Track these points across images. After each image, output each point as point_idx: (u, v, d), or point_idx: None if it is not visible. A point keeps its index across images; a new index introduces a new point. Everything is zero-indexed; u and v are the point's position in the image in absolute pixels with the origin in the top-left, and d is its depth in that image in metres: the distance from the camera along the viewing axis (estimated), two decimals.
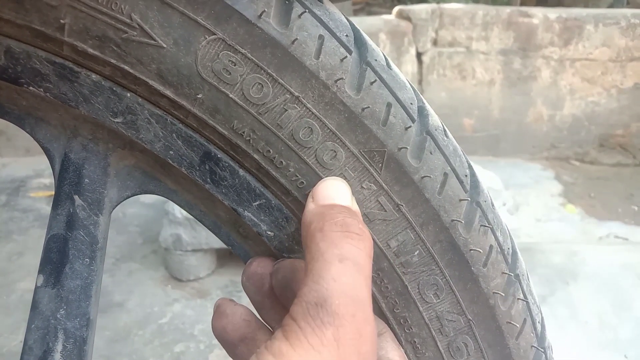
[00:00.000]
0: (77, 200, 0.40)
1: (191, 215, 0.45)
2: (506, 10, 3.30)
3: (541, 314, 0.48)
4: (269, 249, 0.43)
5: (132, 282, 2.16)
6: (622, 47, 3.27)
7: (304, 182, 0.40)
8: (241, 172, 0.41)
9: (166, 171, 0.42)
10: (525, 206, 2.87)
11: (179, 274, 2.17)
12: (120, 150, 0.41)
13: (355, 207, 0.38)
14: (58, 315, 0.38)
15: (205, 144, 0.40)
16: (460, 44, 3.33)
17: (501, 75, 3.37)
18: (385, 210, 0.40)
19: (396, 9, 3.37)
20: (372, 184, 0.40)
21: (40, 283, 0.38)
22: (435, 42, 3.33)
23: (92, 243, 0.40)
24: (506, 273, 0.43)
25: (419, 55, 3.33)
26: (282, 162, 0.39)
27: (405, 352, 0.44)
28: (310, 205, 0.38)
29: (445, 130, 0.42)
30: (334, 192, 0.38)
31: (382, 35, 3.21)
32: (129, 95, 0.38)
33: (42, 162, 3.43)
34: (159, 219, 2.35)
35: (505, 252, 0.44)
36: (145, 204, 2.82)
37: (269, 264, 0.43)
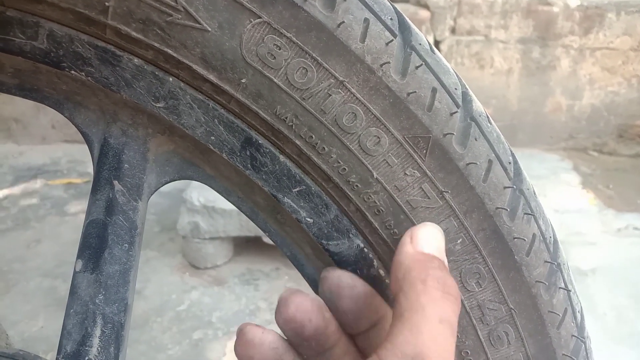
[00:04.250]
0: (117, 185, 0.40)
1: (229, 201, 0.45)
2: None
3: (580, 303, 0.47)
4: (307, 236, 0.43)
5: (150, 270, 2.18)
6: None
7: (346, 169, 0.39)
8: (282, 158, 0.40)
9: (205, 157, 0.42)
10: (542, 197, 2.84)
11: (196, 262, 2.19)
12: (160, 136, 0.41)
13: (446, 262, 0.39)
14: (97, 301, 0.38)
15: (247, 129, 0.39)
16: (478, 33, 3.29)
17: (520, 64, 3.33)
18: (429, 198, 0.40)
19: None
20: (416, 171, 0.39)
21: (79, 268, 0.38)
22: (453, 31, 3.30)
23: (131, 228, 0.40)
24: (548, 262, 0.43)
25: (436, 44, 3.30)
26: (324, 148, 0.38)
27: None
28: (409, 248, 0.38)
29: (488, 117, 0.41)
30: (435, 242, 0.38)
31: None
32: (171, 79, 0.37)
33: (58, 150, 3.46)
34: (175, 207, 2.36)
35: (548, 241, 0.43)
36: (161, 192, 2.83)
37: (308, 305, 0.41)
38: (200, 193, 2.08)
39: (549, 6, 3.21)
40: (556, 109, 3.44)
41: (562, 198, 2.89)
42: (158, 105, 0.38)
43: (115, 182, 0.40)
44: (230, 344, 1.77)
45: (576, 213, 2.74)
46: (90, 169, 3.26)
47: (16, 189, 2.98)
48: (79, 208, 2.75)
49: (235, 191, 0.44)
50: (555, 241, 0.44)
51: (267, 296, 2.03)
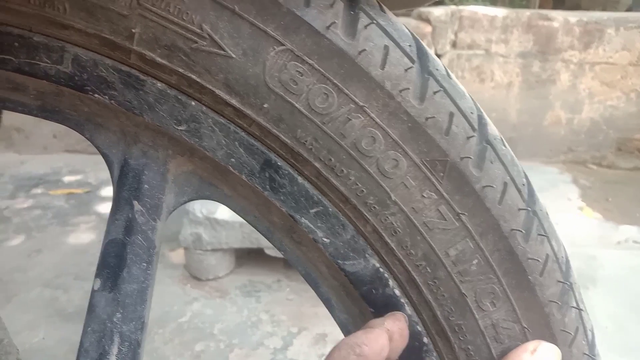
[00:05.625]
0: (136, 205, 0.40)
1: (245, 220, 0.45)
2: (526, 13, 3.29)
3: (591, 322, 0.48)
4: (323, 255, 0.44)
5: None
6: None
7: (364, 191, 0.40)
8: (300, 179, 0.41)
9: (223, 177, 0.43)
10: None
11: (198, 273, 2.18)
12: (180, 157, 0.42)
13: None
14: (114, 319, 0.38)
15: (267, 152, 0.40)
16: (479, 47, 3.32)
17: (520, 78, 3.36)
18: (445, 219, 0.40)
19: (415, 10, 3.36)
20: (433, 193, 0.40)
21: (97, 287, 0.39)
22: (454, 45, 3.32)
23: (149, 248, 0.41)
24: (561, 282, 0.43)
25: (437, 58, 3.32)
26: (342, 170, 0.39)
27: None
28: (527, 357, 0.42)
29: (502, 140, 0.43)
30: None
31: None
32: (193, 103, 0.38)
33: (60, 160, 3.47)
34: (177, 218, 2.36)
35: (560, 261, 0.44)
36: None
37: None
38: (202, 205, 2.09)
39: (549, 21, 3.24)
40: (556, 122, 3.46)
41: (561, 211, 2.89)
42: (180, 128, 0.39)
43: (135, 203, 0.40)
44: (233, 356, 1.77)
45: (575, 226, 2.75)
46: (90, 179, 3.26)
47: (17, 199, 2.98)
48: (80, 218, 2.75)
49: (252, 211, 0.45)
50: (567, 261, 0.45)
51: (268, 308, 2.02)
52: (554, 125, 3.47)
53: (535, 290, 0.42)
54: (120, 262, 0.39)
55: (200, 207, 2.08)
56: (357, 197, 0.40)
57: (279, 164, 0.40)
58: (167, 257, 2.36)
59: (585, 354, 0.46)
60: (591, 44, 3.25)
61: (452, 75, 0.41)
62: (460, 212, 0.40)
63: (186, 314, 1.99)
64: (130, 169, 0.41)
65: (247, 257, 2.29)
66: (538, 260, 0.42)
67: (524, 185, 0.42)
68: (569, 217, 2.84)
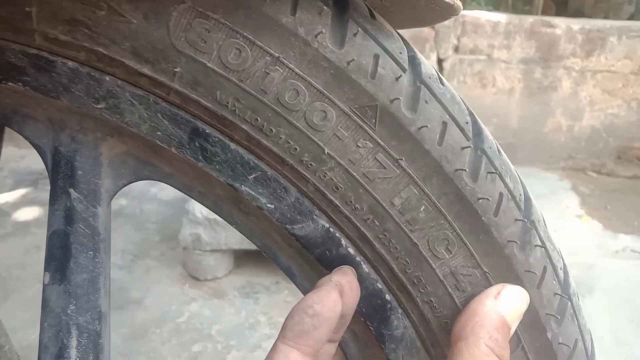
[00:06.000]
0: (73, 193, 0.39)
1: (191, 197, 0.44)
2: (529, 19, 3.29)
3: (563, 260, 0.45)
4: (273, 223, 0.42)
5: (150, 280, 2.17)
6: None
7: (297, 148, 0.38)
8: (232, 145, 0.39)
9: (158, 155, 0.41)
10: None
11: (197, 273, 2.18)
12: (110, 138, 0.40)
13: (514, 328, 0.40)
14: (68, 311, 0.38)
15: (192, 119, 0.38)
16: (481, 52, 3.32)
17: (521, 84, 3.36)
18: (385, 168, 0.38)
19: None
20: (368, 142, 0.38)
21: (47, 281, 0.39)
22: (456, 49, 3.33)
23: (93, 235, 0.40)
24: (520, 220, 0.41)
25: (440, 62, 3.32)
26: (271, 129, 0.37)
27: (423, 313, 0.43)
28: (490, 303, 0.39)
29: (440, 78, 0.40)
30: (515, 309, 0.39)
31: None
32: (107, 78, 0.37)
33: None
34: (177, 216, 2.36)
35: (517, 199, 0.41)
36: (162, 201, 2.83)
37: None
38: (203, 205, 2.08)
39: (552, 28, 3.25)
40: (556, 129, 3.46)
41: (560, 218, 2.90)
42: (99, 106, 0.37)
43: (71, 190, 0.39)
44: (230, 358, 1.77)
45: (574, 233, 2.75)
46: None
47: (16, 194, 2.97)
48: None
49: (195, 186, 0.43)
50: (528, 198, 0.43)
51: (266, 310, 2.02)
52: (555, 132, 3.47)
53: (492, 232, 0.40)
54: (65, 252, 0.39)
55: (200, 208, 2.08)
56: (292, 156, 0.38)
57: (207, 131, 0.39)
58: (165, 255, 2.36)
59: (557, 294, 0.43)
60: (593, 51, 3.26)
61: (378, 17, 0.39)
62: (398, 157, 0.38)
63: (184, 314, 1.99)
64: (62, 156, 0.40)
65: (246, 258, 2.29)
66: (489, 199, 0.40)
67: (467, 123, 0.40)
68: (568, 224, 2.85)
